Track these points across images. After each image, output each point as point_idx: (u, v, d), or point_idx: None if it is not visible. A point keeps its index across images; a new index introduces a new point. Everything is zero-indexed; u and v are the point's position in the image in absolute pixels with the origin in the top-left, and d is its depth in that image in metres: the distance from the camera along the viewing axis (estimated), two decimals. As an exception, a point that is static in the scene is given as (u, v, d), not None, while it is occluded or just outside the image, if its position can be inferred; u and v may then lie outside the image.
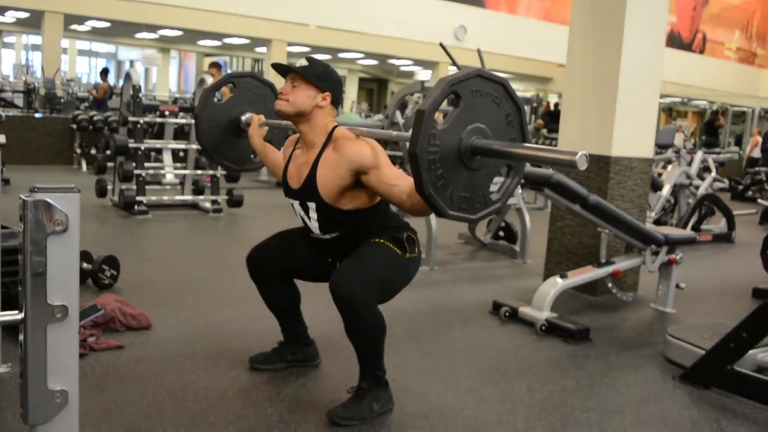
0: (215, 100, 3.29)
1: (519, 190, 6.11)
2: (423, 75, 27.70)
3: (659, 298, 4.71)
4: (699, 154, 9.30)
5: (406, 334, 3.72)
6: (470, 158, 2.00)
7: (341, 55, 20.89)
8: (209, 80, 7.49)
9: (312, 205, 2.66)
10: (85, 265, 4.19)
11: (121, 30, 20.48)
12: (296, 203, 2.74)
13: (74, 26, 20.31)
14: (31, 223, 1.52)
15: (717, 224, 8.33)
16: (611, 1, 4.73)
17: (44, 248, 1.55)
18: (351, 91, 24.01)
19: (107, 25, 19.52)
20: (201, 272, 4.81)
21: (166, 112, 7.73)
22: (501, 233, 6.43)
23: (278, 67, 2.70)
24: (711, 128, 17.56)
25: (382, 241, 2.67)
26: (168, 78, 27.96)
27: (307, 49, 21.92)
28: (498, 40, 16.40)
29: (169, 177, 8.36)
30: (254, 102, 3.34)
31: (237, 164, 3.41)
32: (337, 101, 2.70)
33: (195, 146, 7.58)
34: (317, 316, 3.35)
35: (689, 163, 8.89)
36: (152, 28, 19.81)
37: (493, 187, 2.16)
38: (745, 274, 6.01)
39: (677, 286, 4.76)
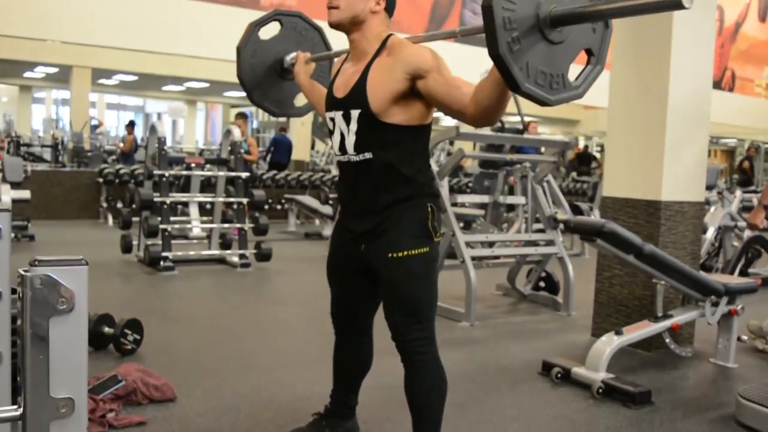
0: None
1: (560, 238, 5.82)
2: (449, 121, 27.62)
3: (719, 352, 4.37)
4: (738, 194, 8.95)
5: (451, 402, 3.37)
6: (549, 28, 1.79)
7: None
8: (236, 132, 7.33)
9: (355, 114, 2.38)
10: (106, 329, 3.96)
11: (148, 83, 20.69)
12: (338, 115, 2.44)
13: (102, 80, 20.54)
14: (30, 301, 1.27)
15: (765, 267, 7.96)
16: (655, 42, 4.49)
17: (47, 331, 1.29)
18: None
19: (134, 78, 19.71)
20: (228, 334, 4.55)
21: (192, 165, 7.55)
22: (542, 284, 6.12)
23: None
24: (741, 166, 17.16)
25: (406, 253, 2.38)
26: (195, 129, 28.14)
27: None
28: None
29: (196, 231, 8.18)
30: (301, 44, 3.13)
31: (278, 108, 3.19)
32: (391, 7, 2.46)
33: (222, 199, 7.39)
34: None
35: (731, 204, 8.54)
36: (178, 80, 19.99)
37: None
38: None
39: (739, 339, 4.42)
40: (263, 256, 7.10)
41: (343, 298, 2.68)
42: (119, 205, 10.32)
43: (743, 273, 7.37)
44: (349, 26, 2.41)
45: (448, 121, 25.55)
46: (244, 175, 7.25)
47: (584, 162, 16.26)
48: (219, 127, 28.79)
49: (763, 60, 21.59)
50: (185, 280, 6.42)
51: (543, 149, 7.24)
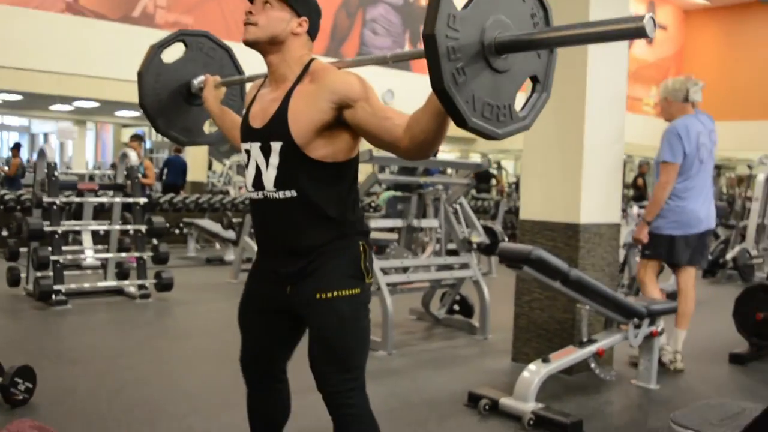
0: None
1: (475, 260, 5.72)
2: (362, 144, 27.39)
3: (641, 374, 4.34)
4: (635, 209, 9.15)
5: (380, 443, 3.21)
6: (494, 56, 1.67)
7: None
8: (132, 155, 6.94)
9: (276, 147, 2.14)
10: (-7, 378, 3.57)
11: (34, 102, 19.67)
12: (255, 146, 2.20)
13: (-18, 100, 19.41)
14: None
15: (668, 281, 8.13)
16: (571, 63, 4.45)
17: None
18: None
19: (19, 98, 18.71)
20: (132, 375, 4.20)
21: (85, 191, 7.10)
22: (456, 307, 6.01)
23: None
24: (635, 182, 17.72)
25: (335, 294, 2.16)
26: (85, 150, 27.01)
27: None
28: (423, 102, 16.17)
29: (90, 260, 7.70)
30: (208, 66, 2.90)
31: (186, 136, 2.92)
32: (314, 30, 2.25)
33: (118, 227, 6.98)
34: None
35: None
36: (67, 99, 19.11)
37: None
38: (715, 335, 5.73)
39: (660, 362, 4.41)
40: (164, 285, 6.71)
41: (258, 343, 2.40)
42: (4, 233, 9.66)
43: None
44: (267, 47, 2.19)
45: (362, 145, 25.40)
46: (142, 200, 6.85)
47: (483, 179, 16.44)
48: (110, 148, 27.78)
49: (650, 80, 22.55)
50: (80, 315, 5.98)
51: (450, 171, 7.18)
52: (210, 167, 20.62)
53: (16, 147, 13.14)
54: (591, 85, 4.40)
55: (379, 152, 5.49)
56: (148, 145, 27.70)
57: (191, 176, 16.56)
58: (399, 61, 2.20)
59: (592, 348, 3.96)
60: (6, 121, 27.42)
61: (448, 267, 5.64)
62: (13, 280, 6.60)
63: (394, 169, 7.69)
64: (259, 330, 2.38)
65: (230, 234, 9.24)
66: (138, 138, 9.23)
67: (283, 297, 2.25)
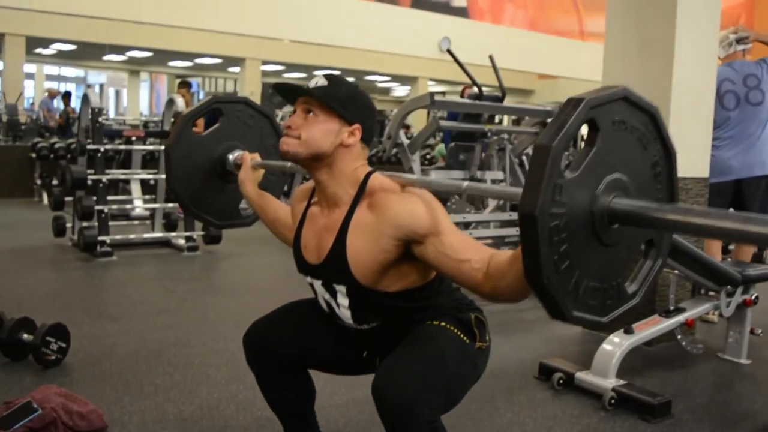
0: (193, 130, 2.48)
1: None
2: (400, 91, 27.01)
3: (730, 346, 3.90)
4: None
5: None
6: (605, 228, 1.32)
7: (316, 72, 20.12)
8: (179, 101, 6.62)
9: (341, 289, 1.85)
10: (25, 336, 3.31)
11: (88, 52, 19.63)
12: (317, 283, 1.91)
13: (39, 50, 19.42)
14: None
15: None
16: (659, 4, 3.96)
17: None
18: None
19: (73, 47, 18.65)
20: (174, 335, 3.91)
21: (133, 138, 6.83)
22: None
23: (283, 90, 1.87)
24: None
25: (443, 324, 1.84)
26: (139, 101, 27.00)
27: (281, 68, 21.13)
28: (482, 51, 15.62)
29: (138, 210, 7.48)
30: (246, 137, 2.55)
31: (221, 219, 2.60)
32: (369, 137, 1.87)
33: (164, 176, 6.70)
34: (327, 401, 2.49)
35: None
36: (119, 49, 18.99)
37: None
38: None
39: (752, 332, 3.96)
40: (212, 238, 6.44)
41: (305, 347, 2.09)
42: (54, 182, 9.53)
43: (757, 258, 6.91)
44: (312, 163, 1.83)
45: (397, 92, 24.84)
46: (190, 148, 6.54)
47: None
48: (164, 99, 27.72)
49: (721, 28, 21.51)
50: (125, 268, 5.75)
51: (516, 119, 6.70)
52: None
53: (67, 95, 13.00)
54: (681, 31, 3.90)
55: (441, 97, 5.08)
56: (200, 95, 27.66)
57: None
58: (476, 194, 1.83)
59: (680, 318, 3.54)
60: (63, 72, 27.50)
61: (513, 223, 5.22)
62: (59, 229, 6.39)
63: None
64: (320, 340, 2.09)
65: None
66: (186, 84, 8.94)
67: (356, 356, 2.09)
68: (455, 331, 1.84)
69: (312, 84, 1.81)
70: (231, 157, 2.47)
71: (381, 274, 1.78)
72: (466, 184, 1.68)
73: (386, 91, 25.39)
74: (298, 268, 1.98)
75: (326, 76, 1.82)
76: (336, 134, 1.80)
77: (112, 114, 27.25)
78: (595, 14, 17.87)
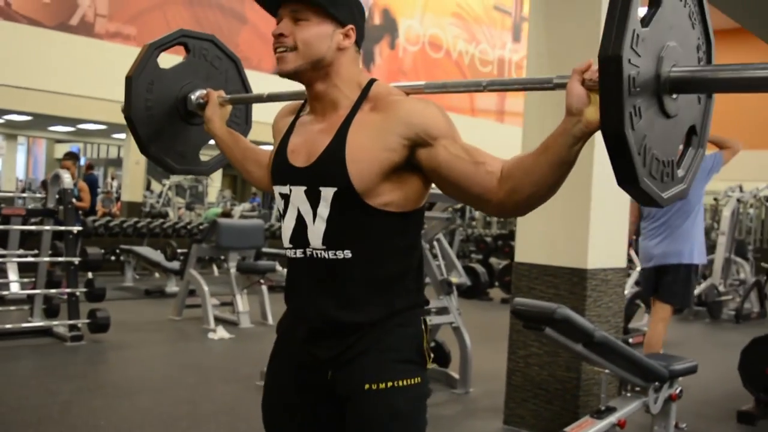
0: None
1: (454, 302, 5.12)
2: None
3: (656, 443, 3.79)
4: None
5: None
6: (667, 95, 1.33)
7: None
8: (66, 177, 6.16)
9: (327, 194, 1.60)
10: None
11: (-40, 115, 18.55)
12: (298, 191, 1.65)
13: None
14: None
15: (639, 322, 7.69)
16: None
17: None
18: (216, 178, 22.56)
19: (-55, 110, 17.58)
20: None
21: (11, 216, 6.28)
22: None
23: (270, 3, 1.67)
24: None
25: (396, 384, 1.60)
26: (15, 166, 25.70)
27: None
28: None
29: (15, 288, 6.83)
30: (210, 78, 2.32)
31: (180, 162, 2.32)
32: (362, 38, 1.70)
33: (48, 259, 6.17)
34: None
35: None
36: (-3, 112, 18.05)
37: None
38: (711, 387, 5.27)
39: (677, 426, 3.87)
40: (99, 326, 5.92)
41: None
42: None
43: (625, 331, 7.02)
44: (312, 74, 1.65)
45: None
46: (76, 228, 6.07)
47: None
48: (42, 164, 26.55)
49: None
50: (0, 363, 5.17)
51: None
52: (148, 187, 19.70)
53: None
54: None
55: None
56: (82, 161, 26.62)
57: (127, 196, 15.68)
58: (499, 91, 1.65)
59: (611, 419, 3.40)
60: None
61: (426, 311, 5.03)
62: None
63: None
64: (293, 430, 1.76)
65: (173, 264, 8.47)
66: (72, 156, 8.44)
67: (322, 385, 1.68)
68: (406, 382, 1.62)
69: None
70: (193, 96, 2.24)
71: (378, 176, 1.57)
72: (486, 81, 1.64)
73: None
74: (276, 177, 1.73)
75: None
76: (331, 37, 1.63)
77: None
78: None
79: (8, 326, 5.82)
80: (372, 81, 1.68)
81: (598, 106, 1.33)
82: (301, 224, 1.65)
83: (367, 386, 1.60)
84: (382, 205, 1.59)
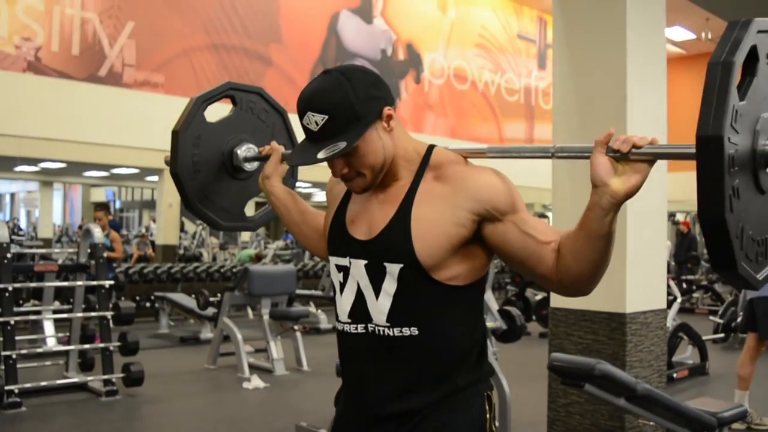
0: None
1: (490, 347, 5.00)
2: (320, 196, 26.89)
3: (707, 494, 3.63)
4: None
5: None
6: (763, 170, 1.26)
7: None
8: (96, 232, 6.18)
9: (393, 270, 1.53)
10: None
11: (-3, 163, 18.89)
12: (358, 265, 1.58)
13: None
14: None
15: (682, 354, 7.48)
16: (608, 117, 3.83)
17: None
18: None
19: (-20, 160, 17.91)
20: None
21: (44, 273, 6.31)
22: None
23: (303, 162, 1.59)
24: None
25: None
26: (52, 212, 26.10)
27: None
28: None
29: (51, 343, 6.85)
30: (257, 131, 2.27)
31: (225, 219, 2.26)
32: (393, 101, 1.60)
33: (80, 314, 6.17)
34: None
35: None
36: (31, 161, 18.35)
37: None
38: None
39: (727, 477, 3.70)
40: (133, 380, 5.89)
41: None
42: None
43: (669, 365, 6.83)
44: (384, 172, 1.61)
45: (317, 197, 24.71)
46: (108, 283, 6.08)
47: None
48: (78, 209, 26.94)
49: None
50: (35, 421, 5.15)
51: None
52: (182, 228, 19.84)
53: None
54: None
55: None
56: (117, 205, 26.96)
57: (161, 239, 15.77)
58: (565, 158, 1.59)
59: (660, 474, 3.26)
60: (-30, 183, 26.51)
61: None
62: (-42, 378, 5.76)
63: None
64: None
65: (207, 311, 8.45)
66: (104, 207, 8.46)
67: None
68: None
69: (313, 128, 1.51)
70: (239, 150, 2.20)
71: (447, 252, 1.51)
72: (554, 147, 1.56)
73: (306, 195, 25.23)
74: (335, 249, 1.66)
75: (314, 108, 1.50)
76: (379, 138, 1.55)
77: (23, 225, 26.28)
78: (512, 120, 18.29)
79: (43, 384, 5.80)
80: (431, 147, 1.63)
81: (623, 176, 1.33)
82: (361, 299, 1.58)
83: None
84: (448, 279, 1.53)
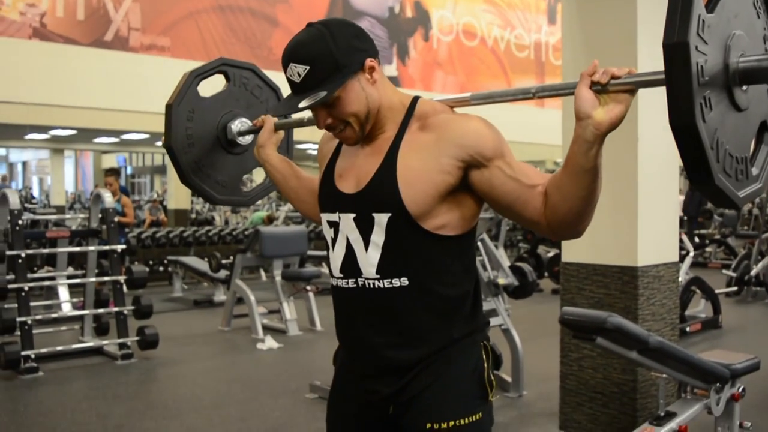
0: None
1: (502, 304, 5.01)
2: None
3: (720, 444, 3.64)
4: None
5: None
6: (737, 86, 1.26)
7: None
8: (107, 197, 6.18)
9: (382, 219, 1.54)
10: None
11: (7, 131, 18.90)
12: (347, 219, 1.60)
13: (-47, 132, 18.62)
14: None
15: (695, 308, 7.46)
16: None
17: None
18: (258, 177, 22.67)
19: (-9, 128, 17.93)
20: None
21: (57, 239, 6.34)
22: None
23: (286, 111, 1.68)
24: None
25: (457, 423, 1.56)
26: (64, 179, 26.19)
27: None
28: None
29: (66, 308, 6.91)
30: (251, 107, 2.31)
31: (221, 192, 2.29)
32: (377, 53, 1.60)
33: (93, 279, 6.21)
34: None
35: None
36: (41, 129, 18.36)
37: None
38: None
39: (741, 426, 3.71)
40: (148, 343, 5.94)
41: None
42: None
43: (682, 319, 6.82)
44: (373, 122, 1.61)
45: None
46: (120, 248, 6.10)
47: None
48: (90, 176, 27.02)
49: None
50: (52, 386, 5.21)
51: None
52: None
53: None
54: (643, 101, 3.71)
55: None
56: (128, 171, 26.99)
57: (173, 204, 15.81)
58: (547, 97, 1.58)
59: (672, 425, 3.26)
60: (-18, 151, 26.61)
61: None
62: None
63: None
64: None
65: (220, 274, 8.49)
66: (114, 172, 8.45)
67: (384, 420, 1.64)
68: (468, 420, 1.57)
69: (296, 79, 1.53)
70: (233, 125, 2.25)
71: (434, 199, 1.52)
72: (534, 88, 1.55)
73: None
74: (324, 205, 1.68)
75: (296, 59, 1.53)
76: (363, 88, 1.56)
77: (36, 193, 26.39)
78: (522, 76, 18.11)
79: (59, 348, 5.86)
80: (416, 99, 1.63)
81: (606, 107, 1.34)
82: (351, 253, 1.59)
83: (429, 425, 1.56)
84: (437, 228, 1.54)
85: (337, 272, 1.63)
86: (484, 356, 1.62)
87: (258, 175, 2.54)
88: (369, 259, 1.56)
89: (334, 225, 1.63)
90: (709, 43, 1.18)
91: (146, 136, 19.09)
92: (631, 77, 1.35)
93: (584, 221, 1.46)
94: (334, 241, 1.63)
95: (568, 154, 1.40)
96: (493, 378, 1.63)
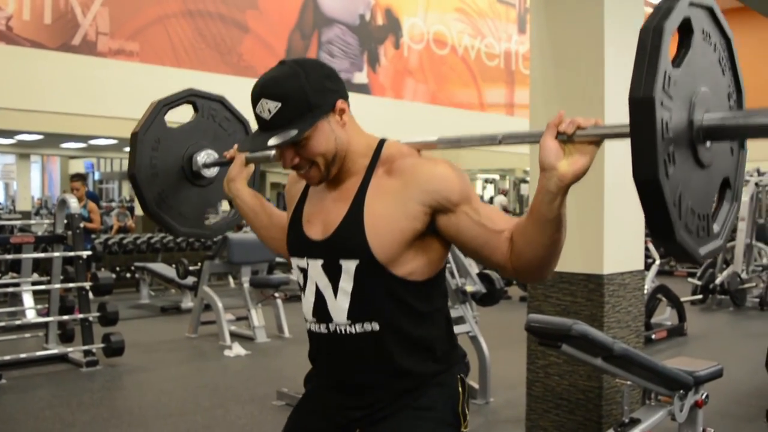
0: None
1: (470, 311, 5.03)
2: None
3: (683, 451, 3.68)
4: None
5: None
6: (701, 143, 1.27)
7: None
8: (72, 202, 6.11)
9: (349, 267, 1.54)
10: None
11: (-29, 137, 18.63)
12: (315, 265, 1.59)
13: None
14: None
15: (661, 315, 7.55)
16: (586, 85, 3.82)
17: None
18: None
19: (-46, 132, 17.65)
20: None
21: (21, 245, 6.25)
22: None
23: (254, 148, 1.62)
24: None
25: None
26: (30, 185, 25.83)
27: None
28: (386, 124, 15.55)
29: (30, 315, 6.80)
30: (218, 140, 2.29)
31: (183, 224, 2.27)
32: (347, 95, 1.61)
33: (59, 285, 6.13)
34: None
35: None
36: (7, 133, 18.12)
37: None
38: (739, 383, 5.14)
39: (704, 432, 3.77)
40: (114, 350, 5.87)
41: None
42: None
43: (648, 326, 6.90)
44: (340, 166, 1.60)
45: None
46: (86, 254, 6.03)
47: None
48: (57, 181, 26.67)
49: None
50: (15, 394, 5.13)
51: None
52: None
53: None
54: (609, 110, 3.75)
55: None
56: (96, 176, 26.70)
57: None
58: (513, 144, 1.58)
59: (636, 431, 3.30)
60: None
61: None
62: (-63, 351, 5.72)
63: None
64: None
65: (187, 281, 8.42)
66: (80, 178, 8.36)
67: None
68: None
69: (266, 116, 1.51)
70: (199, 156, 2.22)
71: (401, 246, 1.51)
72: (501, 135, 1.55)
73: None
74: (293, 250, 1.68)
75: (268, 95, 1.50)
76: (332, 129, 1.56)
77: (1, 198, 26.00)
78: (492, 85, 18.21)
79: (23, 355, 5.77)
80: (382, 141, 1.62)
81: (571, 158, 1.33)
82: (320, 300, 1.59)
83: None
84: (406, 275, 1.53)
85: (309, 317, 1.63)
86: (460, 389, 1.63)
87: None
88: (339, 306, 1.56)
89: (303, 271, 1.63)
90: (674, 99, 1.18)
91: (114, 141, 18.92)
92: (597, 129, 1.35)
93: (549, 267, 1.48)
94: (304, 285, 1.64)
95: (532, 203, 1.42)
96: (467, 410, 1.64)
